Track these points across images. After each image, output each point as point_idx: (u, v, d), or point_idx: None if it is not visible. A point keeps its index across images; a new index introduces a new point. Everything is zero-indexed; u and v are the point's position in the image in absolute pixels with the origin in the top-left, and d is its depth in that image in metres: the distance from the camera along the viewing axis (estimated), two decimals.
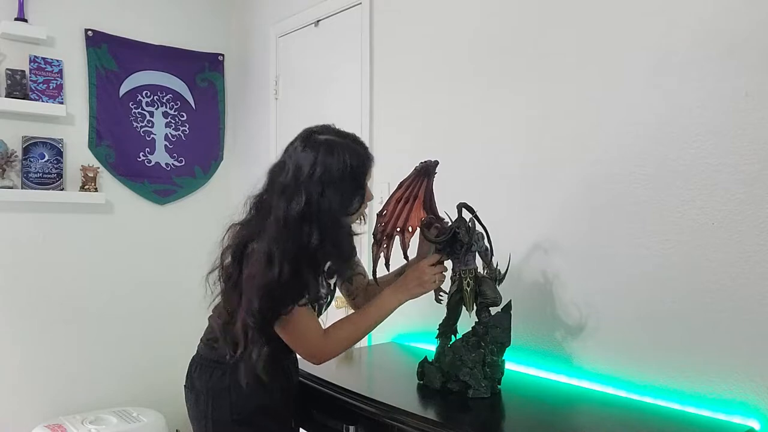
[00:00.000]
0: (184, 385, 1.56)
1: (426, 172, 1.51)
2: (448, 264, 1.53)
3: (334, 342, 1.44)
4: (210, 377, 1.48)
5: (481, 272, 1.52)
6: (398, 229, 1.51)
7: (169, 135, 3.12)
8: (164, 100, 3.11)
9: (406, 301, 1.49)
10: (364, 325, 1.47)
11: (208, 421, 1.47)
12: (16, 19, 2.63)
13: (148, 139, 3.05)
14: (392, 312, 1.48)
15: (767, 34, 1.29)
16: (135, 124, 3.01)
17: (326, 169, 1.34)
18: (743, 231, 1.32)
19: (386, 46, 2.32)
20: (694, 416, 1.36)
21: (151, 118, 3.06)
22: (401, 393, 1.57)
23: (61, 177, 2.75)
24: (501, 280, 1.53)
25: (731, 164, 1.34)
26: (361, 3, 2.41)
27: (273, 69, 2.97)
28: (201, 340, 1.58)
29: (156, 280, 3.05)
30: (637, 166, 1.51)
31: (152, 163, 3.06)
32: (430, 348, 1.73)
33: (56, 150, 2.73)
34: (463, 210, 1.48)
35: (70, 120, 2.79)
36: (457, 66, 2.01)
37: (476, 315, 1.50)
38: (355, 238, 1.53)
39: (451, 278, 1.53)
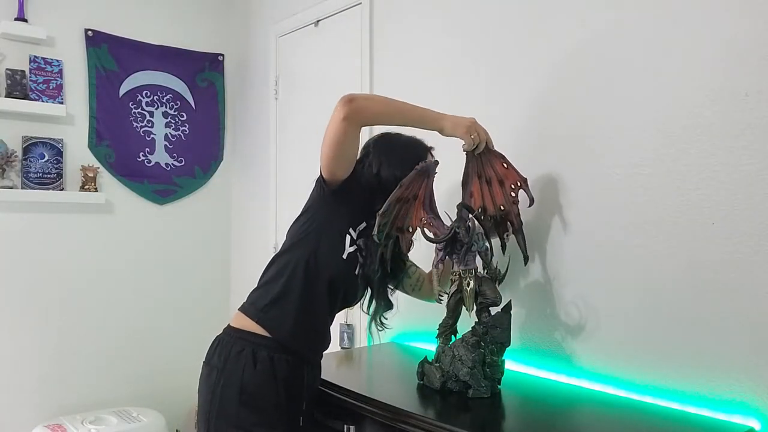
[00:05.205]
0: (203, 361, 1.55)
1: (426, 172, 1.51)
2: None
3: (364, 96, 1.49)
4: (229, 353, 1.48)
5: (481, 272, 1.52)
6: (398, 229, 1.51)
7: (169, 135, 3.12)
8: (164, 100, 3.11)
9: (441, 127, 1.51)
10: (398, 104, 1.53)
11: (215, 396, 1.46)
12: (16, 19, 2.63)
13: (148, 139, 3.05)
14: (425, 120, 1.53)
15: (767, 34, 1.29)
16: (135, 124, 3.01)
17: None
18: (743, 231, 1.32)
19: (386, 46, 2.32)
20: (694, 416, 1.36)
21: (151, 118, 3.06)
22: (401, 393, 1.57)
23: (61, 177, 2.75)
24: (501, 280, 1.53)
25: (731, 164, 1.34)
26: (361, 3, 2.41)
27: (273, 69, 2.97)
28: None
29: (156, 279, 3.05)
30: (637, 166, 1.51)
31: (152, 163, 3.06)
32: (430, 348, 1.74)
33: (56, 150, 2.73)
34: (463, 210, 1.48)
35: (70, 120, 2.80)
36: (458, 65, 2.01)
37: (476, 315, 1.50)
38: None
39: (451, 278, 1.53)
